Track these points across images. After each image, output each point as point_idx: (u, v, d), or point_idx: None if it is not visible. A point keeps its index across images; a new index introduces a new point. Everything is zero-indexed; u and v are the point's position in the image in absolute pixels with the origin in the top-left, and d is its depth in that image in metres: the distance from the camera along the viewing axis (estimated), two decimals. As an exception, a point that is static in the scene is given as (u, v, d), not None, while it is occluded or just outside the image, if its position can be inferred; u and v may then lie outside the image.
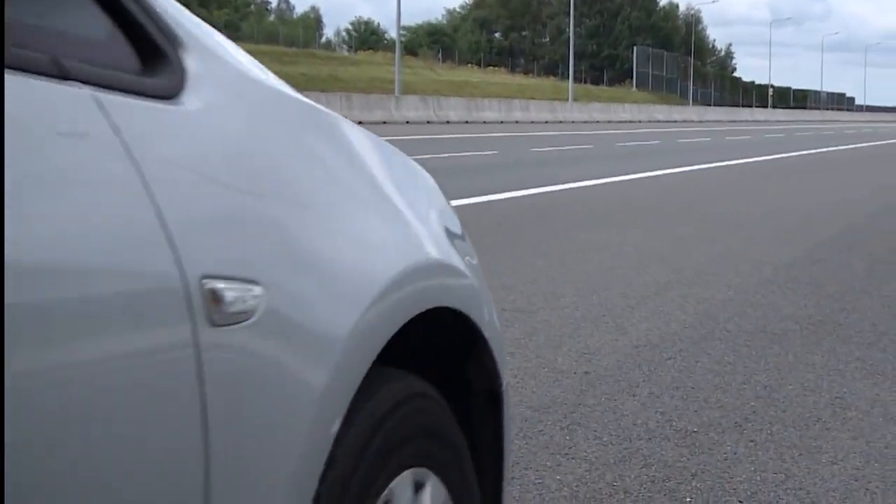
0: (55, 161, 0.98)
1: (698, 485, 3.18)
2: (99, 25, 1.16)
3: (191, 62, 1.25)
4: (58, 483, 0.92)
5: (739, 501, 3.06)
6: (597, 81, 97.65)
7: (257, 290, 1.16)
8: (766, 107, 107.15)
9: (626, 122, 57.01)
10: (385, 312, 1.40)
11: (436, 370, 1.71)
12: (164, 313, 1.04)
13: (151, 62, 1.20)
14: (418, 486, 1.51)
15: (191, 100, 1.22)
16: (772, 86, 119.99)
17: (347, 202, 1.46)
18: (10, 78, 0.97)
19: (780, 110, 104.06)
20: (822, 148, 31.03)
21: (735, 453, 3.47)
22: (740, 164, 21.34)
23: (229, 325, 1.11)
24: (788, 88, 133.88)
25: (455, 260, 1.68)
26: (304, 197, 1.36)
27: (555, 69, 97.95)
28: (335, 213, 1.41)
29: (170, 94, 1.19)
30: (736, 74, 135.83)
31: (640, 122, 59.33)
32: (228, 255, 1.16)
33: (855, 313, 5.92)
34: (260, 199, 1.26)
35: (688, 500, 3.07)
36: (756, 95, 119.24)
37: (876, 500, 3.09)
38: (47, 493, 0.91)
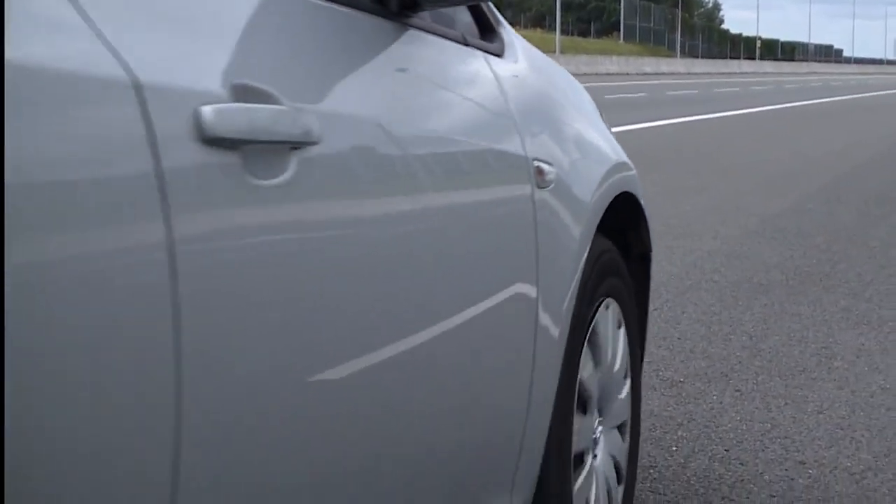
0: (468, 86, 1.80)
1: (684, 434, 3.18)
2: (466, 14, 1.91)
3: (504, 35, 2.00)
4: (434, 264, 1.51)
5: (725, 450, 3.06)
6: (584, 33, 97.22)
7: (551, 168, 1.89)
8: (753, 59, 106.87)
9: (613, 74, 56.77)
10: (604, 192, 2.14)
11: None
12: (521, 178, 1.79)
13: (488, 34, 1.95)
14: (606, 308, 2.21)
15: (509, 56, 1.98)
16: (759, 38, 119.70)
17: (582, 115, 2.25)
18: (446, 43, 1.73)
19: (768, 63, 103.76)
20: (809, 100, 30.98)
21: (721, 403, 3.47)
22: (727, 116, 21.30)
23: (544, 188, 1.85)
24: (776, 41, 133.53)
25: (625, 156, 2.35)
26: (567, 111, 2.15)
27: (542, 21, 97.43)
28: (581, 122, 2.20)
29: (501, 54, 1.94)
30: (724, 27, 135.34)
31: (627, 74, 59.07)
32: (540, 145, 1.89)
33: (841, 263, 5.92)
34: (552, 113, 2.06)
35: (674, 448, 3.07)
36: (744, 48, 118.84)
37: (861, 449, 3.10)
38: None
